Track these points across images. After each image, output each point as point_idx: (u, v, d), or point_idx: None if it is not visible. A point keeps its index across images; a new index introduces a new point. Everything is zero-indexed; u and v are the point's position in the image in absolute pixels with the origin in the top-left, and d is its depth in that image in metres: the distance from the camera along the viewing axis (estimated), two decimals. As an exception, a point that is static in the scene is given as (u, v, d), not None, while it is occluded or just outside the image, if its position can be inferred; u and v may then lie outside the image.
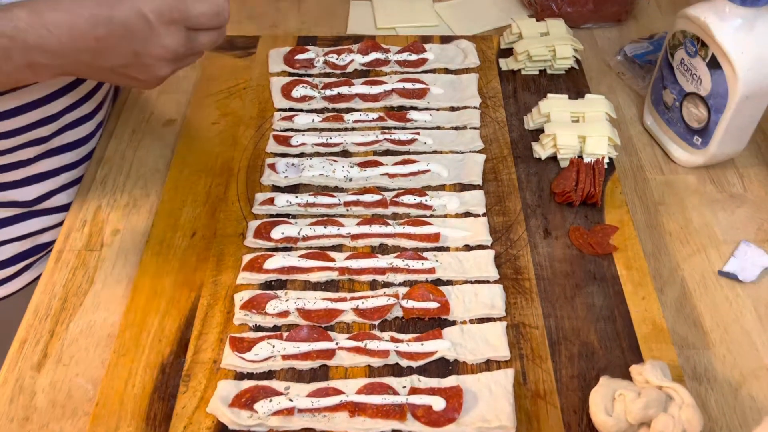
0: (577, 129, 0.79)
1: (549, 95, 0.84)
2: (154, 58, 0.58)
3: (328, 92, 0.88)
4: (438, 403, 0.58)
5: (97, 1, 0.56)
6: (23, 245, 0.80)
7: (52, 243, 0.75)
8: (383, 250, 0.71)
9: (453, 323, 0.65)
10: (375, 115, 0.85)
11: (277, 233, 0.71)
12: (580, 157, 0.79)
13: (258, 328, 0.65)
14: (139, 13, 0.56)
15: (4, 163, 0.74)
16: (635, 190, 0.81)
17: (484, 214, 0.74)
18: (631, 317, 0.65)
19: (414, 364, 0.62)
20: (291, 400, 0.58)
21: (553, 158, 0.80)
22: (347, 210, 0.74)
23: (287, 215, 0.74)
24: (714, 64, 0.74)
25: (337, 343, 0.62)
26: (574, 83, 0.91)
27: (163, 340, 0.64)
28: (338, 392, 0.59)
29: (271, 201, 0.75)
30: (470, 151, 0.81)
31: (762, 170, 0.83)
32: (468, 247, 0.71)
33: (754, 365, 0.65)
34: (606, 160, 0.78)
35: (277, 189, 0.77)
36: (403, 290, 0.67)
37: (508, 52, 0.95)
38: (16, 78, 0.60)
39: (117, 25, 0.56)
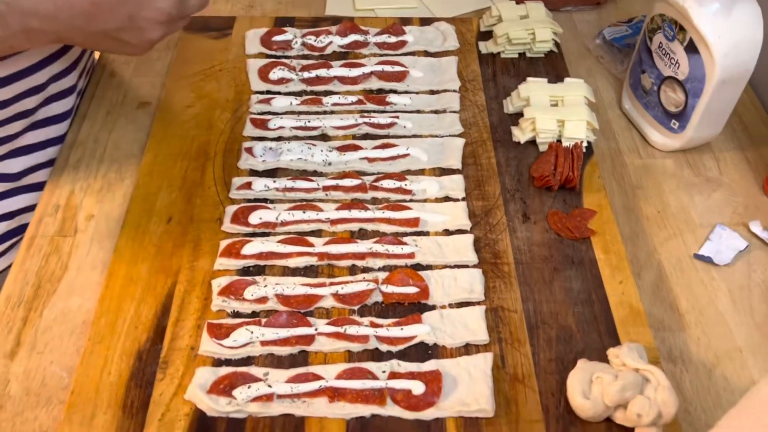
0: (556, 113, 0.79)
1: (528, 79, 0.84)
2: (148, 20, 0.60)
3: (306, 75, 0.86)
4: (417, 388, 0.58)
5: None
6: (10, 224, 0.79)
7: None
8: (363, 235, 0.71)
9: (432, 308, 0.65)
10: (354, 98, 0.84)
11: (254, 218, 0.71)
12: (559, 141, 0.79)
13: (236, 315, 0.64)
14: None
15: None
16: (613, 174, 0.81)
17: (463, 199, 0.74)
18: (609, 301, 0.66)
19: (393, 348, 0.62)
20: (270, 386, 0.58)
21: (533, 142, 0.80)
22: (326, 195, 0.74)
23: (265, 200, 0.74)
24: (692, 49, 0.74)
25: (316, 329, 0.62)
26: (553, 66, 0.90)
27: (139, 326, 0.63)
28: (318, 378, 0.59)
29: (248, 185, 0.74)
30: (450, 135, 0.81)
31: (737, 154, 0.84)
32: (447, 232, 0.71)
33: (727, 347, 0.66)
34: (584, 144, 0.78)
35: (254, 173, 0.76)
36: (382, 275, 0.66)
37: (487, 35, 0.94)
38: (11, 44, 0.60)
39: None
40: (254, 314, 0.64)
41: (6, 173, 0.77)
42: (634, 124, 0.86)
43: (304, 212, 0.71)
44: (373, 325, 0.63)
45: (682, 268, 0.72)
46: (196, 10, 0.64)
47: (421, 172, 0.77)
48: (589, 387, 0.57)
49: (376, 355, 0.61)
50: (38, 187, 0.80)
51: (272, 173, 0.76)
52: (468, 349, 0.62)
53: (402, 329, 0.62)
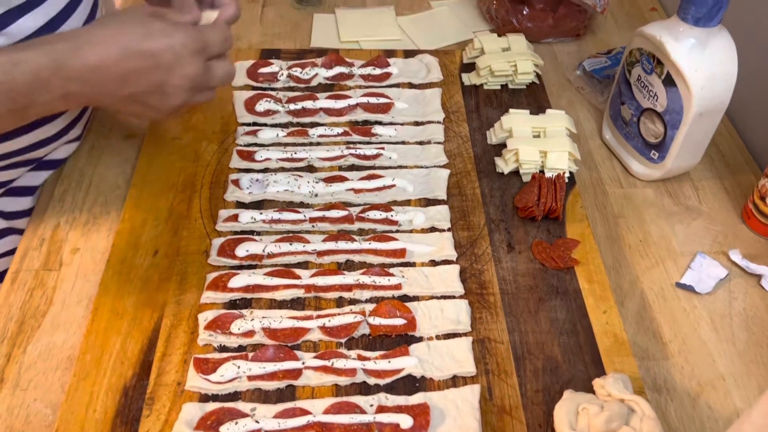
0: (539, 144, 0.81)
1: (511, 110, 0.85)
2: (175, 87, 0.64)
3: (292, 106, 0.87)
4: (405, 421, 0.58)
5: (129, 34, 0.61)
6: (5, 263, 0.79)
7: None
8: (349, 266, 0.71)
9: (420, 339, 0.65)
10: (340, 130, 0.85)
11: (241, 251, 0.71)
12: (542, 171, 0.80)
13: (223, 349, 0.64)
14: (168, 45, 0.61)
15: None
16: (595, 204, 0.82)
17: (449, 229, 0.75)
18: (593, 330, 0.67)
19: (381, 381, 0.62)
20: (257, 421, 0.58)
21: (516, 173, 0.81)
22: (313, 226, 0.74)
23: (252, 232, 0.74)
24: (669, 82, 0.76)
25: (303, 363, 0.62)
26: (535, 98, 0.92)
27: (125, 362, 0.63)
28: (305, 412, 0.59)
29: (235, 218, 0.74)
30: (435, 166, 0.82)
31: (716, 183, 0.85)
32: (434, 263, 0.72)
33: (711, 375, 0.67)
34: (567, 175, 0.79)
35: (241, 205, 0.77)
36: (369, 307, 0.67)
37: (470, 67, 0.96)
38: (50, 107, 0.63)
39: (147, 57, 0.61)
40: (241, 348, 0.64)
41: (6, 211, 0.78)
42: (615, 154, 0.88)
43: (290, 244, 0.71)
44: (361, 358, 0.63)
45: (665, 296, 0.73)
46: (221, 82, 0.68)
47: (407, 202, 0.78)
48: (575, 418, 0.58)
49: (364, 389, 0.61)
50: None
51: (259, 205, 0.77)
52: (455, 381, 0.62)
53: (389, 362, 0.63)
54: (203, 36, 0.64)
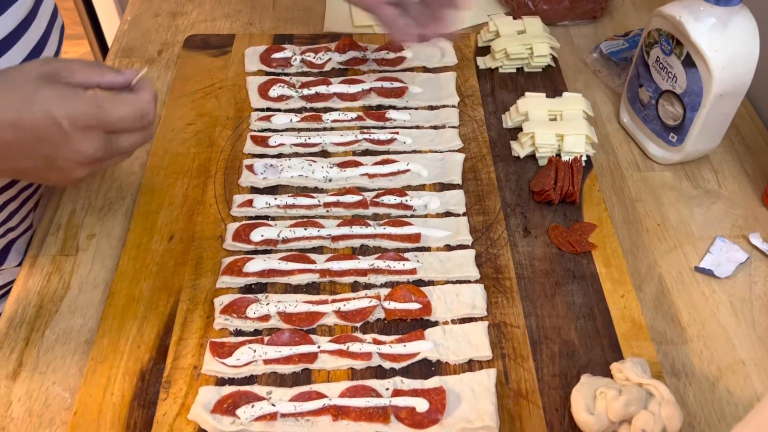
0: (555, 127, 0.80)
1: (527, 93, 0.84)
2: (67, 161, 0.55)
3: (305, 91, 0.87)
4: (421, 405, 0.58)
5: (7, 103, 0.52)
6: None
7: None
8: (364, 251, 0.71)
9: (435, 324, 0.65)
10: (353, 115, 0.84)
11: (256, 235, 0.71)
12: (558, 155, 0.79)
13: (239, 333, 0.64)
14: (50, 119, 0.52)
15: None
16: (612, 187, 0.81)
17: (464, 214, 0.74)
18: (611, 315, 0.66)
19: (397, 365, 0.62)
20: (273, 405, 0.58)
21: (532, 157, 0.81)
22: (327, 211, 0.74)
23: (266, 217, 0.74)
24: (689, 63, 0.74)
25: (319, 347, 0.62)
26: (551, 81, 0.91)
27: (142, 346, 0.63)
28: (321, 396, 0.59)
29: (249, 203, 0.74)
30: (449, 150, 0.81)
31: (735, 166, 0.84)
32: (449, 247, 0.71)
33: (730, 359, 0.66)
34: (584, 158, 0.78)
35: (255, 190, 0.76)
36: (384, 291, 0.67)
37: (485, 51, 0.95)
38: None
39: (26, 130, 0.52)
40: (257, 332, 0.64)
41: None
42: (633, 137, 0.87)
43: (305, 229, 0.71)
44: (376, 341, 0.63)
45: (683, 280, 0.72)
46: (132, 149, 0.59)
47: (421, 187, 0.77)
48: (593, 402, 0.57)
49: (380, 373, 0.61)
50: None
51: (273, 190, 0.76)
52: (471, 365, 0.62)
53: (405, 346, 0.62)
54: (102, 112, 0.54)
